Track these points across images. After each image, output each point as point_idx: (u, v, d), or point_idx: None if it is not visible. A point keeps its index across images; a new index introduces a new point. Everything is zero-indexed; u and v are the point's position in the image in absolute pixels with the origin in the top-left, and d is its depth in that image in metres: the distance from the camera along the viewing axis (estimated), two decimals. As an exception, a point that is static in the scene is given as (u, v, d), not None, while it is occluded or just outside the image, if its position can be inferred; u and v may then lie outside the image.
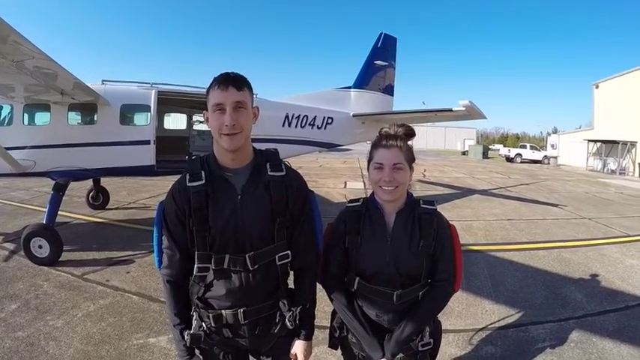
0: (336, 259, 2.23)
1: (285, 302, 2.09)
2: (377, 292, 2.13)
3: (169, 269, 2.02)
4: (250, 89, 1.98)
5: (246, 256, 1.94)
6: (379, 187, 2.11)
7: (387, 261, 2.10)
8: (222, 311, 1.99)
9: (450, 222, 2.27)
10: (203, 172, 1.94)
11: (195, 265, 1.95)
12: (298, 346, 2.17)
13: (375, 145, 2.17)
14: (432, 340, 2.19)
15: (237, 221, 1.93)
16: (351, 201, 2.32)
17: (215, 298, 2.00)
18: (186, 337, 2.00)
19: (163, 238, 2.03)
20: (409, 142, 2.18)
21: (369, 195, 2.29)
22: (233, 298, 1.98)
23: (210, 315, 1.99)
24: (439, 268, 2.14)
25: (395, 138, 2.12)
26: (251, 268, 1.95)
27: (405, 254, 2.09)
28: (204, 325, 2.03)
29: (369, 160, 2.19)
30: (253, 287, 1.98)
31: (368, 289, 2.14)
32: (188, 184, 1.93)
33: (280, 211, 2.01)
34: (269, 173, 2.01)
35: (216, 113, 1.89)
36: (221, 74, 1.93)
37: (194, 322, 2.04)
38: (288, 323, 2.08)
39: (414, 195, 2.26)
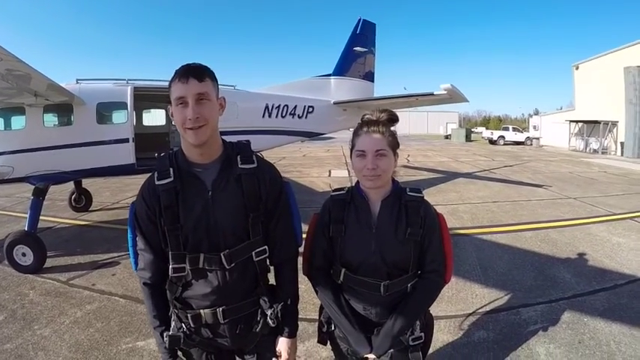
0: (321, 249, 2.18)
1: (266, 299, 2.03)
2: (364, 283, 2.07)
3: (145, 271, 1.96)
4: (213, 79, 1.90)
5: (222, 254, 1.88)
6: (362, 175, 2.05)
7: (373, 250, 2.04)
8: (201, 311, 1.94)
9: (436, 206, 2.23)
10: (172, 170, 1.88)
11: (170, 266, 1.89)
12: (282, 344, 2.11)
13: (357, 133, 2.11)
14: (423, 334, 2.15)
15: (209, 218, 1.87)
16: (335, 190, 2.27)
17: (193, 298, 1.95)
18: (165, 338, 1.96)
19: (137, 239, 1.97)
20: (392, 128, 2.11)
21: (352, 181, 2.23)
22: (211, 298, 1.93)
23: (189, 315, 1.94)
24: (428, 258, 2.09)
25: (377, 124, 2.06)
26: (227, 267, 1.89)
27: (390, 243, 2.04)
28: (183, 326, 1.98)
29: (352, 148, 2.13)
30: (231, 286, 1.93)
31: (354, 280, 2.09)
32: (157, 183, 1.87)
33: (253, 206, 1.95)
34: (240, 166, 1.94)
35: (179, 107, 1.82)
36: (182, 66, 1.86)
37: (172, 323, 2.00)
38: (270, 321, 2.03)
39: (399, 181, 2.21)
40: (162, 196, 1.85)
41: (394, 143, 2.07)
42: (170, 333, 1.96)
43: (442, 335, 4.35)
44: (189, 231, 1.86)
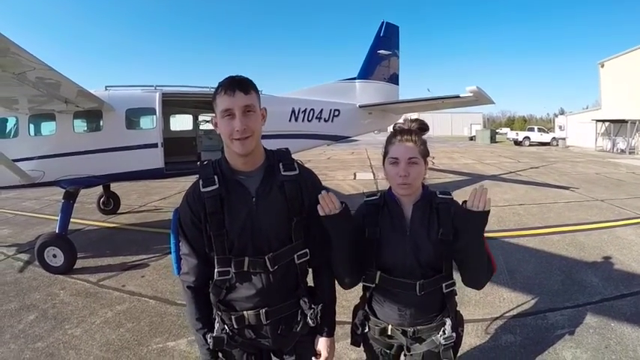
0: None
1: (306, 300, 2.09)
2: (399, 284, 2.13)
3: (189, 275, 2.03)
4: (257, 91, 1.97)
5: (266, 257, 1.94)
6: (395, 182, 2.12)
7: (407, 252, 2.10)
8: (244, 312, 2.00)
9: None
10: (216, 177, 1.94)
11: (216, 270, 1.96)
12: (322, 343, 2.17)
13: (390, 141, 2.19)
14: (454, 334, 2.18)
15: (253, 224, 1.94)
16: (368, 195, 2.33)
17: (236, 300, 2.01)
18: (209, 340, 2.02)
19: (181, 244, 2.05)
20: (423, 137, 2.18)
21: (378, 184, 2.28)
22: (254, 299, 1.99)
23: (233, 317, 2.00)
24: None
25: (409, 133, 2.13)
26: (271, 269, 1.95)
27: (424, 244, 2.10)
28: (226, 328, 2.04)
29: (385, 155, 2.20)
30: (274, 287, 1.99)
31: (390, 281, 2.14)
32: (202, 190, 1.93)
33: (296, 211, 2.01)
34: (282, 173, 2.01)
35: (225, 119, 1.88)
36: (226, 78, 1.91)
37: (216, 325, 2.05)
38: (310, 321, 2.09)
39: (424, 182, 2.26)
40: (207, 203, 1.91)
41: (425, 151, 2.14)
42: (214, 334, 2.02)
43: (469, 339, 4.34)
44: (235, 236, 1.92)
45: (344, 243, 2.05)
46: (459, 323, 2.28)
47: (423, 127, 2.18)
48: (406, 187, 2.09)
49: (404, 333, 2.19)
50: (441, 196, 2.17)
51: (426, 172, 2.18)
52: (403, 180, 2.07)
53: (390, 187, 2.24)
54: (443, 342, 2.15)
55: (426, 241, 2.10)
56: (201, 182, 1.95)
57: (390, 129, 2.29)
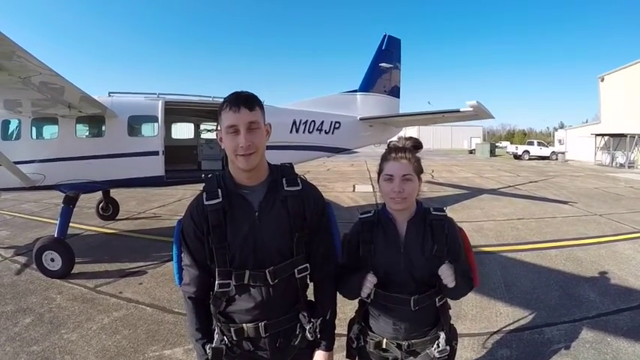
0: (351, 268, 2.26)
1: (305, 314, 2.11)
2: (394, 299, 2.16)
3: (190, 286, 2.05)
4: (262, 107, 2.00)
5: (267, 271, 1.96)
6: (390, 198, 2.17)
7: (402, 268, 2.14)
8: (244, 325, 2.02)
9: (461, 223, 2.31)
10: (220, 190, 1.97)
11: (217, 282, 1.98)
12: (319, 357, 2.18)
13: (385, 158, 2.24)
14: (448, 348, 2.20)
15: (255, 238, 1.96)
16: (363, 212, 2.38)
17: (236, 313, 2.03)
18: (208, 350, 2.03)
19: (183, 255, 2.06)
20: (417, 154, 2.24)
21: (377, 196, 2.34)
22: (254, 312, 2.00)
23: (232, 329, 2.02)
24: (457, 269, 2.13)
25: (404, 150, 2.19)
26: (271, 283, 1.97)
27: (418, 260, 2.14)
28: (225, 339, 2.05)
29: (379, 172, 2.26)
30: (274, 301, 2.01)
31: (385, 296, 2.18)
32: (205, 203, 1.95)
33: (298, 226, 2.02)
34: (285, 189, 2.03)
35: (230, 134, 1.90)
36: (231, 95, 1.95)
37: (216, 336, 2.06)
38: (308, 335, 2.11)
39: (424, 196, 2.32)
40: (210, 216, 1.93)
41: (418, 168, 2.21)
42: (213, 345, 2.03)
43: (466, 353, 4.35)
44: (237, 249, 1.94)
45: None
46: (453, 336, 2.30)
47: (416, 144, 2.27)
48: (400, 201, 2.13)
49: (399, 346, 2.22)
50: (434, 212, 2.23)
51: (420, 188, 2.23)
52: (397, 196, 2.12)
53: (384, 204, 2.29)
54: (437, 355, 2.17)
55: (421, 257, 2.14)
56: (204, 195, 1.98)
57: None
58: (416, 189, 2.18)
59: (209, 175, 2.09)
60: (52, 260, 6.57)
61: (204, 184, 2.04)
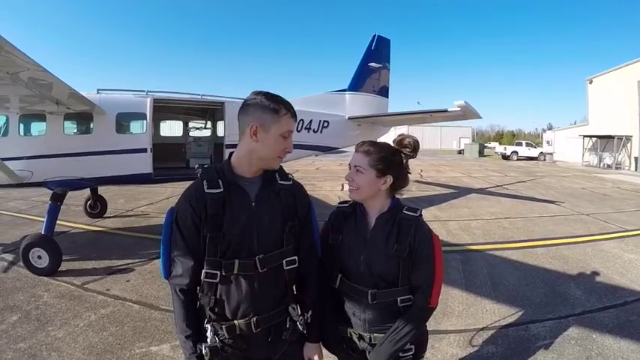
0: (324, 253, 2.33)
1: (295, 307, 2.15)
2: (354, 289, 2.19)
3: (182, 278, 2.00)
4: None
5: (256, 258, 1.97)
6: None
7: (362, 260, 2.16)
8: (235, 321, 2.02)
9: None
10: (220, 181, 1.98)
11: (204, 271, 1.96)
12: (311, 349, 2.24)
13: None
14: (412, 347, 2.20)
15: (252, 227, 1.99)
16: (341, 202, 2.43)
17: (226, 307, 2.02)
18: (204, 350, 1.98)
19: (175, 245, 2.02)
20: (402, 154, 2.27)
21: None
22: (244, 306, 2.01)
23: (223, 326, 2.01)
24: (413, 274, 2.15)
25: (366, 144, 2.26)
26: (260, 271, 1.98)
27: (378, 256, 2.15)
28: (216, 338, 2.02)
29: None
30: (263, 293, 2.03)
31: (347, 286, 2.21)
32: (207, 191, 1.95)
33: (291, 216, 2.12)
34: (279, 182, 2.13)
35: (281, 137, 2.02)
36: (287, 102, 2.06)
37: (209, 335, 2.02)
38: (299, 327, 2.14)
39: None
40: (209, 204, 1.93)
41: (383, 165, 2.19)
42: (209, 344, 1.99)
43: (452, 349, 4.37)
44: (233, 238, 1.96)
45: None
46: (420, 336, 2.25)
47: (407, 145, 2.26)
48: (351, 191, 2.24)
49: (360, 337, 2.23)
50: (405, 212, 2.20)
51: (382, 185, 2.20)
52: (349, 184, 2.22)
53: None
54: (400, 354, 2.16)
55: (381, 253, 2.14)
56: (205, 183, 1.97)
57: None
58: (370, 183, 2.18)
59: (205, 166, 2.09)
60: (40, 258, 6.50)
61: (201, 173, 2.03)
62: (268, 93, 2.03)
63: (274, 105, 1.99)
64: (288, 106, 2.02)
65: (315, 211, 2.35)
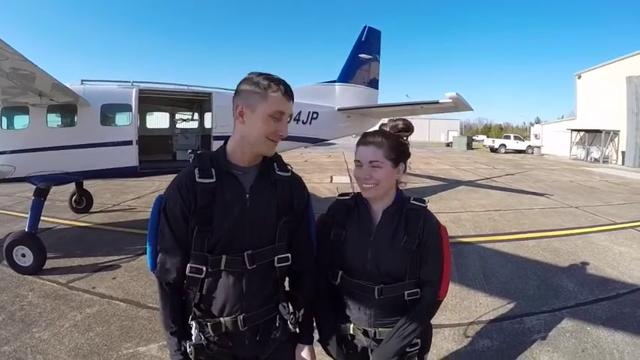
0: (323, 248, 2.19)
1: (285, 305, 2.03)
2: (359, 286, 2.08)
3: (169, 272, 1.88)
4: None
5: (245, 254, 1.85)
6: (359, 184, 2.08)
7: (368, 257, 2.05)
8: (221, 319, 1.90)
9: (439, 214, 2.22)
10: (213, 170, 1.85)
11: (188, 265, 1.84)
12: (304, 351, 2.11)
13: (358, 142, 2.13)
14: (419, 341, 2.13)
15: (244, 221, 1.87)
16: (341, 194, 2.29)
17: (213, 305, 1.91)
18: (189, 349, 1.89)
19: (162, 236, 1.89)
20: (406, 138, 2.16)
21: (354, 187, 2.25)
22: (231, 303, 1.89)
23: (209, 324, 1.90)
24: (422, 269, 2.07)
25: (374, 134, 2.09)
26: (249, 267, 1.86)
27: (386, 252, 2.04)
28: (202, 336, 1.91)
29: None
30: (252, 291, 1.91)
31: (351, 283, 2.10)
32: (198, 180, 1.82)
33: (286, 210, 1.98)
34: (277, 172, 1.98)
35: (271, 118, 1.84)
36: (280, 80, 1.89)
37: (194, 332, 1.90)
38: (290, 326, 2.03)
39: (402, 187, 2.21)
40: (199, 195, 1.81)
41: (395, 154, 2.06)
42: (194, 342, 1.89)
43: (446, 343, 4.31)
44: (223, 234, 1.84)
45: None
46: (425, 330, 2.21)
47: (404, 128, 2.14)
48: (369, 189, 2.05)
49: (365, 333, 2.14)
50: (413, 202, 2.11)
51: (399, 175, 2.12)
52: (365, 182, 2.04)
53: None
54: (408, 349, 2.08)
55: (389, 249, 2.04)
56: (197, 172, 1.84)
57: None
58: (389, 176, 2.05)
59: (199, 152, 1.95)
60: (23, 256, 6.32)
61: (194, 159, 1.90)
62: (262, 73, 1.89)
63: (263, 82, 1.83)
64: (279, 84, 1.84)
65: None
